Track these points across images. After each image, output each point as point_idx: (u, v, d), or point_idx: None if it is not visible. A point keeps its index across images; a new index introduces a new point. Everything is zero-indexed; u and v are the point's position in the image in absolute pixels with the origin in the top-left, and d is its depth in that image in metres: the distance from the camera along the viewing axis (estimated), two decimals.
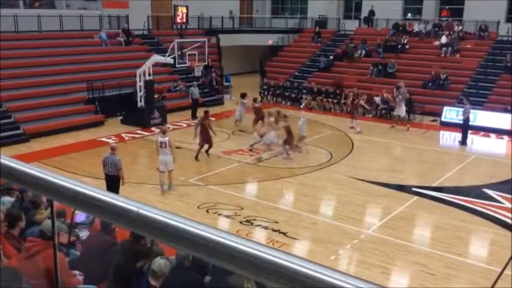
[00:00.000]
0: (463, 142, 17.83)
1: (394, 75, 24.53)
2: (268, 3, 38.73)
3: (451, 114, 20.65)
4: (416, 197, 12.42)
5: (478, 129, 19.53)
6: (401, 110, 20.05)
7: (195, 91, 21.76)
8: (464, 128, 17.94)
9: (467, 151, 17.28)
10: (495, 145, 18.52)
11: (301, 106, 23.63)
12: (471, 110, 18.31)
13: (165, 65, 22.52)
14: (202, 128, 14.71)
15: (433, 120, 21.20)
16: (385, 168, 14.71)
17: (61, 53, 22.16)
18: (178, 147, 16.54)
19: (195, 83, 22.45)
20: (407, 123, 20.05)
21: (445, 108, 21.07)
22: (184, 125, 20.03)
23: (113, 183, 10.77)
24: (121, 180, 10.80)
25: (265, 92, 26.02)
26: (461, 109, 18.54)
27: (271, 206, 11.56)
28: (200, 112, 21.33)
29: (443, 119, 20.95)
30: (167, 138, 12.03)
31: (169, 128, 19.54)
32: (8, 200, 6.39)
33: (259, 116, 17.78)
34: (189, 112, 21.71)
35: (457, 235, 10.25)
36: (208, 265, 5.42)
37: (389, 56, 26.02)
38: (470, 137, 18.65)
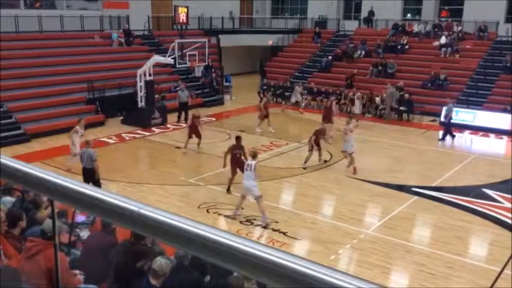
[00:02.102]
0: (443, 139, 18.33)
1: (394, 76, 24.54)
2: (268, 4, 38.74)
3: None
4: (416, 197, 12.42)
5: (477, 129, 19.59)
6: (356, 108, 20.95)
7: (182, 94, 20.71)
8: (448, 126, 18.39)
9: (467, 151, 17.30)
10: (494, 145, 18.52)
11: (301, 106, 23.65)
12: (454, 109, 18.94)
13: (165, 65, 22.52)
14: (233, 156, 12.25)
15: (433, 120, 21.22)
16: (385, 168, 14.71)
17: (62, 54, 22.18)
18: (178, 147, 16.62)
19: (182, 86, 21.57)
20: (359, 118, 20.54)
21: (445, 108, 21.06)
22: (184, 125, 20.00)
23: (89, 176, 11.08)
24: (95, 173, 11.12)
25: (265, 92, 25.98)
26: (462, 108, 18.73)
27: (271, 206, 11.55)
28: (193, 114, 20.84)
29: (442, 119, 20.95)
30: (255, 161, 10.76)
31: (169, 128, 19.60)
32: (9, 200, 6.39)
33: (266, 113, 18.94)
34: (189, 112, 21.64)
35: (457, 235, 10.26)
36: (208, 265, 5.43)
37: (389, 56, 26.03)
38: (470, 137, 18.70)
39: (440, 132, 18.72)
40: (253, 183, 10.57)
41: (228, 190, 12.34)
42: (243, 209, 11.23)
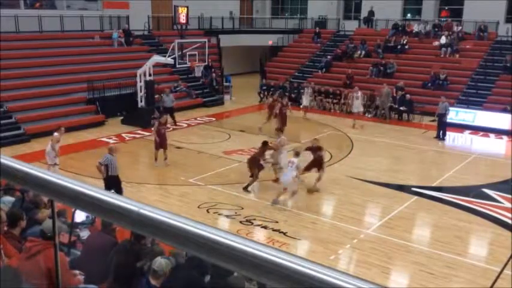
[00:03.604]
0: (438, 136, 18.50)
1: (393, 76, 24.55)
2: (268, 4, 38.72)
3: (451, 114, 20.65)
4: (416, 197, 12.42)
5: (477, 129, 19.60)
6: (356, 106, 20.62)
7: (167, 99, 19.80)
8: (444, 124, 18.51)
9: (467, 151, 17.31)
10: (494, 145, 18.53)
11: (301, 106, 23.64)
12: (453, 109, 19.40)
13: (165, 65, 22.52)
14: (254, 159, 12.79)
15: (433, 120, 21.20)
16: (385, 168, 14.71)
17: (62, 54, 22.18)
18: (178, 147, 16.62)
19: (167, 90, 20.60)
20: (307, 111, 21.41)
21: (440, 106, 21.04)
22: (185, 125, 20.03)
23: (115, 183, 10.99)
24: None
25: (265, 92, 26.01)
26: (462, 108, 18.81)
27: (271, 206, 11.56)
28: (178, 118, 20.00)
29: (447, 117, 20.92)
30: (297, 159, 11.56)
31: (169, 128, 19.57)
32: (9, 200, 6.39)
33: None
34: (189, 112, 21.63)
35: (457, 235, 10.26)
36: (208, 264, 5.43)
37: (388, 57, 26.02)
38: (470, 136, 18.66)
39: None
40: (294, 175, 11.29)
41: (246, 189, 12.50)
42: (242, 208, 11.26)
